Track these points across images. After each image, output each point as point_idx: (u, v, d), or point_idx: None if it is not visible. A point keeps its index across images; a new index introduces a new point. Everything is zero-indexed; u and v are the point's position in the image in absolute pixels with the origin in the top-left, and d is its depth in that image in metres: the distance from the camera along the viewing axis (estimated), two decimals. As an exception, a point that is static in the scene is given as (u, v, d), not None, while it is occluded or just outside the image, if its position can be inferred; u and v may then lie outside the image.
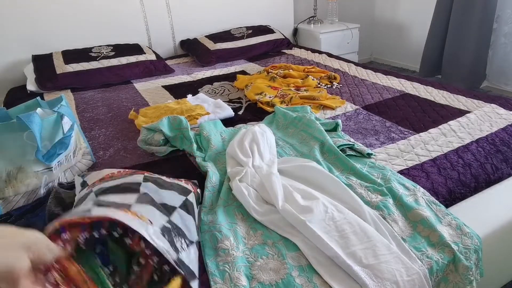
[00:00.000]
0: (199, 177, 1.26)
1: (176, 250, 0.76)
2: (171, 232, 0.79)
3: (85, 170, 1.36)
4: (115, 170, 1.01)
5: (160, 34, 2.98)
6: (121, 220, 0.68)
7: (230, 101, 2.00)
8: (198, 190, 1.10)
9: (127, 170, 1.02)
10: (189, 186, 1.03)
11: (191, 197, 0.99)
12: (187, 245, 0.81)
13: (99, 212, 0.70)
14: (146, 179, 0.94)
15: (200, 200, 1.10)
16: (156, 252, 0.71)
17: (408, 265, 0.87)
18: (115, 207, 0.76)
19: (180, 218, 0.87)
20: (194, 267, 0.81)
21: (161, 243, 0.71)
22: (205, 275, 0.88)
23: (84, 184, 1.00)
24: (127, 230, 0.70)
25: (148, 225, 0.73)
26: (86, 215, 0.67)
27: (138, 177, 0.94)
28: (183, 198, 0.95)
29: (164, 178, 1.01)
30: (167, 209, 0.86)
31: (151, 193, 0.88)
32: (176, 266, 0.71)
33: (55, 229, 0.63)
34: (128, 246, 0.70)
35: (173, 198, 0.92)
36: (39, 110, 1.20)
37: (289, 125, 1.57)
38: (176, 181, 1.02)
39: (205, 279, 0.86)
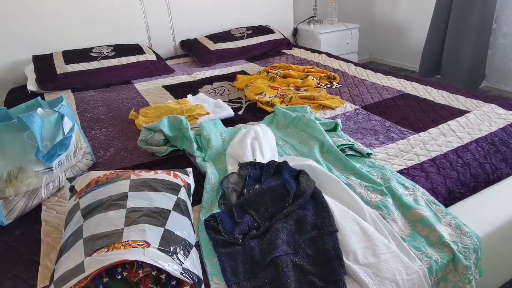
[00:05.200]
0: (199, 176, 1.26)
1: (179, 262, 0.76)
2: (170, 244, 0.78)
3: (85, 170, 1.36)
4: (101, 173, 1.01)
5: (160, 34, 2.98)
6: (117, 261, 0.69)
7: (230, 101, 2.00)
8: (190, 179, 1.09)
9: (112, 172, 1.02)
10: (178, 181, 1.02)
11: (183, 193, 0.98)
12: (188, 251, 0.82)
13: (91, 264, 0.71)
14: (133, 187, 0.92)
15: (192, 192, 1.10)
16: (161, 270, 0.72)
17: (407, 264, 0.87)
18: (107, 241, 0.75)
19: (175, 222, 0.87)
20: (199, 270, 0.82)
21: (161, 262, 0.72)
22: (204, 274, 0.88)
23: (72, 190, 1.00)
24: (125, 264, 0.72)
25: (145, 248, 0.74)
26: (82, 276, 0.69)
27: (124, 185, 0.92)
28: (175, 197, 0.95)
29: (152, 173, 1.01)
30: (161, 214, 0.86)
31: (140, 204, 0.87)
32: (183, 277, 0.72)
33: None
34: (126, 279, 0.72)
35: (166, 201, 0.91)
36: (39, 110, 1.20)
37: (289, 125, 1.58)
38: (165, 175, 1.02)
39: (204, 279, 0.86)
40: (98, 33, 2.73)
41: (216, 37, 2.94)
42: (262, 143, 1.33)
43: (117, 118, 1.87)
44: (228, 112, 1.76)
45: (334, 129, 1.51)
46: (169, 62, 2.84)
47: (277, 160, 1.28)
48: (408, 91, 1.95)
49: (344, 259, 0.88)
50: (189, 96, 1.97)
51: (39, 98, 1.33)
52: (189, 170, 1.14)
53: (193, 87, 2.26)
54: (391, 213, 1.03)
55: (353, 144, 1.37)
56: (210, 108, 1.80)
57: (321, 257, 0.88)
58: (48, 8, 2.53)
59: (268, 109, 1.83)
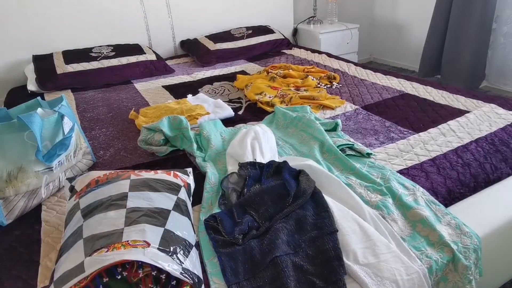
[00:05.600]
0: (199, 176, 1.26)
1: (179, 262, 0.76)
2: (170, 244, 0.78)
3: (85, 170, 1.36)
4: (101, 173, 1.01)
5: (160, 34, 2.98)
6: (117, 261, 0.69)
7: (230, 101, 2.00)
8: (190, 179, 1.09)
9: (112, 172, 1.02)
10: (178, 181, 1.02)
11: (182, 193, 0.99)
12: (188, 251, 0.82)
13: (91, 264, 0.70)
14: (133, 187, 0.92)
15: (192, 192, 1.10)
16: (161, 270, 0.72)
17: (407, 264, 0.87)
18: (107, 241, 0.75)
19: (176, 222, 0.87)
20: (199, 270, 0.82)
21: (161, 261, 0.72)
22: (204, 274, 0.88)
23: (72, 190, 1.00)
24: (125, 264, 0.72)
25: (145, 248, 0.73)
26: (82, 276, 0.69)
27: (124, 185, 0.92)
28: (175, 197, 0.95)
29: (152, 173, 1.01)
30: (161, 214, 0.86)
31: (140, 204, 0.86)
32: (183, 277, 0.72)
33: None
34: (126, 279, 0.72)
35: (166, 201, 0.91)
36: (39, 110, 1.20)
37: (289, 125, 1.58)
38: (165, 175, 1.02)
39: (204, 279, 0.86)
40: (98, 33, 2.73)
41: (216, 37, 2.94)
42: (262, 143, 1.33)
43: (117, 118, 1.87)
44: (228, 112, 1.76)
45: (334, 129, 1.51)
46: (169, 62, 2.84)
47: (277, 160, 1.28)
48: (408, 91, 1.95)
49: (344, 259, 0.88)
50: (189, 96, 1.97)
51: (39, 98, 1.33)
52: (189, 170, 1.14)
53: (193, 87, 2.26)
54: (391, 213, 1.03)
55: (353, 144, 1.37)
56: (210, 108, 1.80)
57: (321, 257, 0.88)
58: (48, 8, 2.53)
59: (268, 109, 1.83)
